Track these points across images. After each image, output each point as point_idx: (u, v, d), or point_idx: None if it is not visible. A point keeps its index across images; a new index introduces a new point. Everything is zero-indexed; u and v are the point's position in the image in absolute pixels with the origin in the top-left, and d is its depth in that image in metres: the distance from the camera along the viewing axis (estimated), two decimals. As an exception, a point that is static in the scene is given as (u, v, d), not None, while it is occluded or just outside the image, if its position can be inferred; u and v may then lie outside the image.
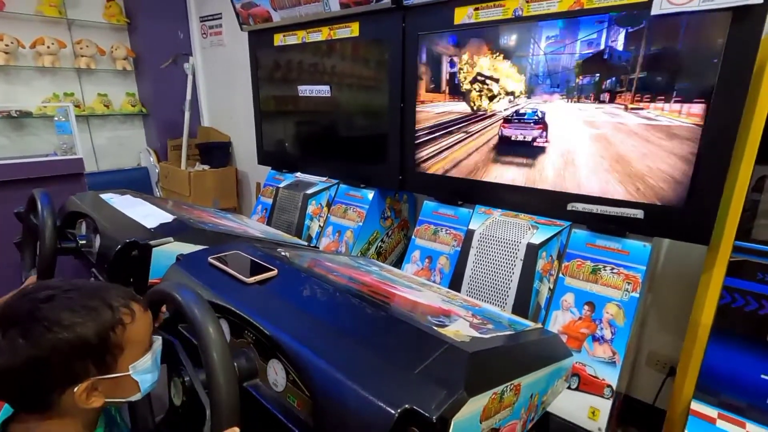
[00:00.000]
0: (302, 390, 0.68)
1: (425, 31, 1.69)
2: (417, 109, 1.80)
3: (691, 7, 1.12)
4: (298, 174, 2.40)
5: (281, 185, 2.33)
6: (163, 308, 0.85)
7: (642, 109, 1.28)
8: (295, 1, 2.04)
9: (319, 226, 2.14)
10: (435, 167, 1.80)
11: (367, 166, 2.05)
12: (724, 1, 1.07)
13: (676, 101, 1.22)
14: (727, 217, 1.20)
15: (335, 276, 1.05)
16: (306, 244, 1.75)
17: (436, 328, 0.76)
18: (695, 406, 1.27)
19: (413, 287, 1.16)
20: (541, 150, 1.48)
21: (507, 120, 1.54)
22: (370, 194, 2.03)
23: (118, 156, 3.87)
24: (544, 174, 1.49)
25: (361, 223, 1.99)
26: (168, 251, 1.13)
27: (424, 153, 1.82)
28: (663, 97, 1.24)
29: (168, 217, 1.33)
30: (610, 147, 1.34)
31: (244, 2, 2.29)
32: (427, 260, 1.73)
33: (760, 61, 1.11)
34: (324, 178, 2.26)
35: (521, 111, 1.50)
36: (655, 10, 1.16)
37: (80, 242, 1.34)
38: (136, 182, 3.67)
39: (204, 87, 3.71)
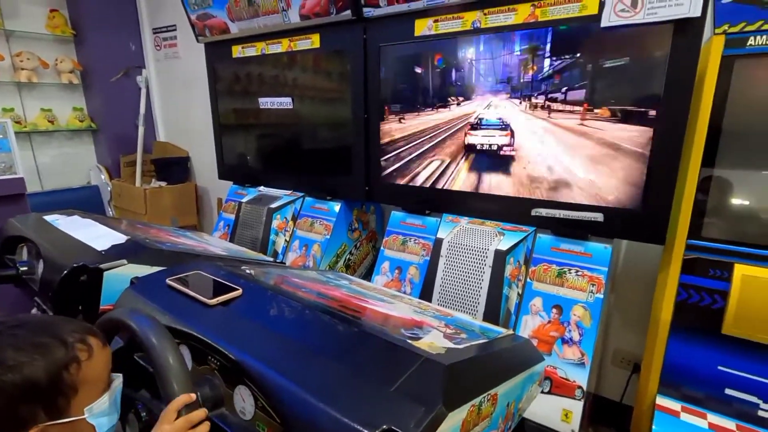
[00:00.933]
0: (272, 417, 0.64)
1: (387, 43, 1.70)
2: (381, 118, 1.80)
3: (636, 20, 1.18)
4: (262, 188, 2.33)
5: (244, 200, 2.26)
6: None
7: (598, 118, 1.33)
8: (253, 13, 2.00)
9: (285, 240, 2.08)
10: (402, 177, 1.79)
11: (333, 178, 2.02)
12: (665, 15, 1.13)
13: (628, 109, 1.28)
14: (679, 217, 1.27)
15: (304, 292, 1.01)
16: (272, 260, 1.69)
17: (410, 341, 0.74)
18: (660, 401, 1.32)
19: (384, 300, 1.14)
20: (505, 157, 1.51)
21: (473, 127, 1.56)
22: (337, 206, 2.00)
23: (65, 174, 3.64)
24: (508, 181, 1.52)
25: (328, 236, 1.95)
26: (121, 275, 1.05)
27: (391, 163, 1.82)
28: (616, 106, 1.30)
29: (121, 238, 1.24)
30: (570, 154, 1.39)
31: (200, 14, 2.23)
32: (396, 271, 1.72)
33: (701, 68, 1.19)
34: (288, 192, 2.21)
35: (485, 120, 1.53)
36: (604, 23, 1.22)
37: (21, 269, 1.23)
38: (85, 202, 3.46)
39: (159, 100, 3.57)
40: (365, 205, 2.16)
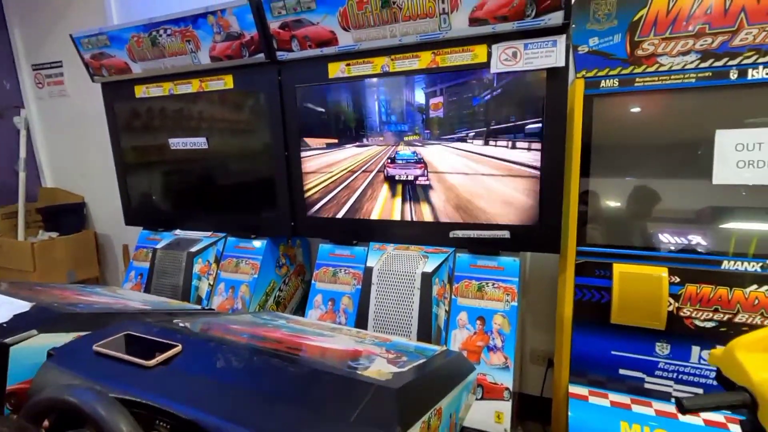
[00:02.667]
0: (235, 470, 0.64)
1: (302, 84, 1.77)
2: (303, 155, 1.85)
3: (517, 67, 1.41)
4: (178, 231, 2.22)
5: (159, 246, 2.13)
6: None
7: (497, 147, 1.54)
8: (159, 54, 1.95)
9: (209, 284, 2.00)
10: (327, 210, 1.85)
11: (256, 216, 2.01)
12: (539, 64, 1.37)
13: (519, 139, 1.50)
14: (569, 228, 1.50)
15: (245, 338, 1.01)
16: (199, 307, 1.62)
17: (359, 371, 0.79)
18: (572, 389, 1.51)
19: (324, 334, 1.17)
20: (423, 187, 1.66)
21: (391, 161, 1.68)
22: (262, 244, 1.98)
23: None
24: (427, 208, 1.66)
25: (255, 276, 1.92)
26: (33, 348, 0.95)
27: (315, 197, 1.87)
28: (511, 136, 1.51)
29: (23, 305, 1.11)
30: (478, 180, 1.57)
31: (94, 53, 2.10)
32: (330, 303, 1.75)
33: (571, 103, 1.45)
34: (209, 233, 2.13)
35: (400, 154, 1.66)
36: (493, 69, 1.44)
37: None
38: (-50, 264, 2.93)
39: (44, 142, 3.21)
40: (291, 239, 2.17)
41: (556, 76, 1.39)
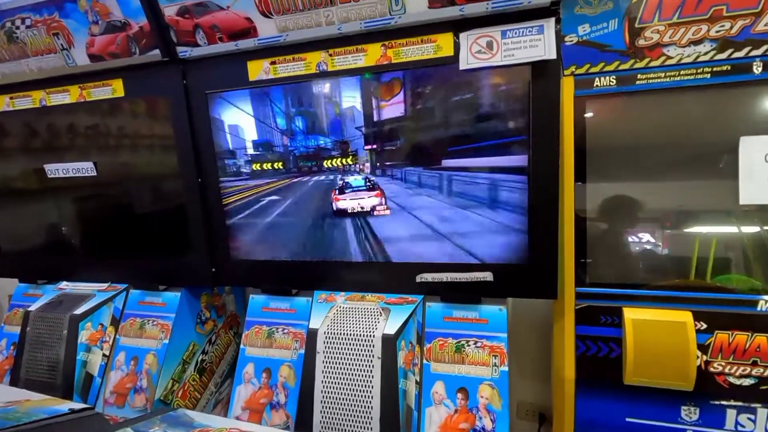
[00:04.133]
0: None
1: (215, 89, 1.35)
2: (222, 182, 1.42)
3: (494, 62, 1.08)
4: (64, 284, 1.70)
5: (34, 307, 1.60)
6: None
7: (471, 166, 1.19)
8: (20, 53, 1.46)
9: (104, 356, 1.50)
10: (257, 251, 1.43)
11: (166, 261, 1.55)
12: (522, 57, 1.04)
13: (501, 154, 1.17)
14: (564, 265, 1.18)
15: None
16: (81, 405, 1.13)
17: None
18: (579, 465, 1.19)
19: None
20: (379, 218, 1.28)
21: (340, 191, 1.30)
22: (175, 297, 1.52)
23: None
24: (385, 244, 1.29)
25: (166, 341, 1.46)
26: None
27: (241, 235, 1.44)
28: (489, 151, 1.17)
29: None
30: (451, 207, 1.22)
31: (-65, 53, 1.57)
32: (264, 375, 1.32)
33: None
34: (104, 285, 1.64)
35: (350, 182, 1.29)
36: (462, 66, 1.09)
37: None
38: None
39: None
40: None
41: (544, 72, 1.06)
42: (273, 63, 1.27)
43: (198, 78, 1.36)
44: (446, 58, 1.11)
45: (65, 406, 1.09)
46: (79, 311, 1.52)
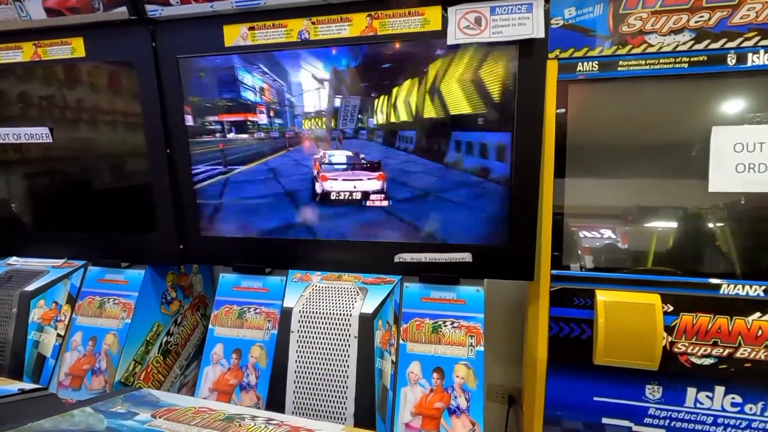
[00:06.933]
0: None
1: (188, 54, 1.27)
2: (193, 153, 1.35)
3: (482, 38, 1.06)
4: (14, 259, 1.58)
5: (-21, 283, 1.48)
6: None
7: (455, 147, 1.18)
8: (-36, 2, 1.32)
9: (58, 336, 1.41)
10: (229, 227, 1.37)
11: (130, 237, 1.46)
12: (511, 35, 1.03)
13: (486, 134, 1.16)
14: (541, 247, 1.19)
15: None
16: (32, 386, 1.05)
17: None
18: (546, 442, 1.22)
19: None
20: (358, 196, 1.25)
21: (327, 167, 1.25)
22: (139, 275, 1.44)
23: None
24: (364, 223, 1.26)
25: (128, 320, 1.38)
26: None
27: (212, 210, 1.37)
28: (473, 131, 1.16)
29: None
30: (431, 185, 1.21)
31: None
32: (234, 356, 1.28)
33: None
34: (60, 261, 1.53)
35: (332, 158, 1.24)
36: (450, 41, 1.07)
37: None
38: None
39: None
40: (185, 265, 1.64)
41: (531, 51, 1.06)
42: (251, 29, 1.20)
43: (169, 41, 1.27)
44: (434, 32, 1.09)
45: (15, 386, 1.01)
46: (30, 288, 1.41)
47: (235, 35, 1.22)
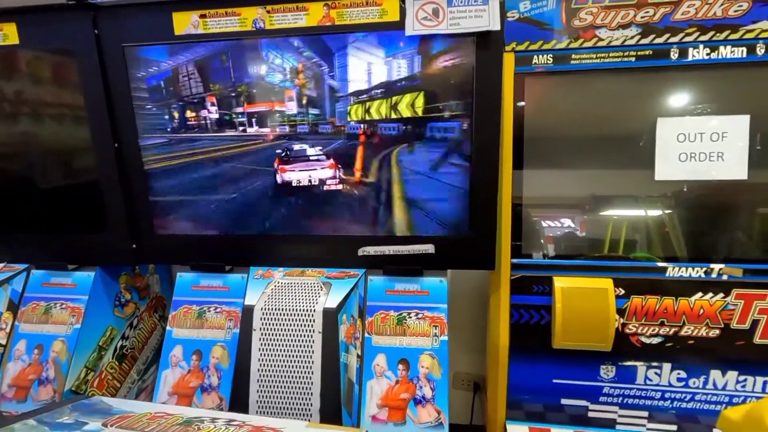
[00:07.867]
0: None
1: (132, 43, 1.20)
2: (142, 145, 1.28)
3: (440, 29, 1.06)
4: (-55, 265, 1.45)
5: None
6: None
7: (414, 138, 1.18)
8: None
9: (0, 346, 1.31)
10: (185, 224, 1.32)
11: (77, 237, 1.37)
12: (468, 27, 1.04)
13: (447, 121, 1.16)
14: (502, 237, 1.22)
15: None
16: None
17: None
18: (510, 427, 1.26)
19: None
20: (323, 191, 1.23)
21: (283, 161, 1.22)
22: (89, 276, 1.36)
23: None
24: (327, 217, 1.25)
25: (77, 326, 1.30)
26: None
27: (166, 207, 1.32)
28: (433, 123, 1.17)
29: None
30: (392, 179, 1.20)
31: None
32: (194, 358, 1.23)
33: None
34: (0, 265, 1.42)
35: (295, 150, 1.21)
36: (408, 32, 1.07)
37: None
38: None
39: None
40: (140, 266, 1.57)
41: (488, 43, 1.07)
42: (203, 16, 1.15)
43: (113, 29, 1.20)
44: (392, 23, 1.08)
45: (-53, 401, 0.93)
46: (-35, 295, 1.30)
47: (185, 23, 1.16)
